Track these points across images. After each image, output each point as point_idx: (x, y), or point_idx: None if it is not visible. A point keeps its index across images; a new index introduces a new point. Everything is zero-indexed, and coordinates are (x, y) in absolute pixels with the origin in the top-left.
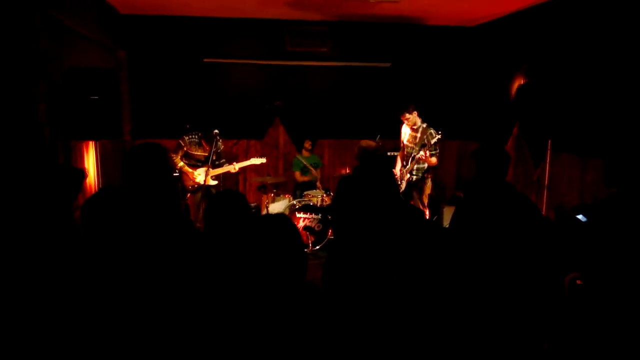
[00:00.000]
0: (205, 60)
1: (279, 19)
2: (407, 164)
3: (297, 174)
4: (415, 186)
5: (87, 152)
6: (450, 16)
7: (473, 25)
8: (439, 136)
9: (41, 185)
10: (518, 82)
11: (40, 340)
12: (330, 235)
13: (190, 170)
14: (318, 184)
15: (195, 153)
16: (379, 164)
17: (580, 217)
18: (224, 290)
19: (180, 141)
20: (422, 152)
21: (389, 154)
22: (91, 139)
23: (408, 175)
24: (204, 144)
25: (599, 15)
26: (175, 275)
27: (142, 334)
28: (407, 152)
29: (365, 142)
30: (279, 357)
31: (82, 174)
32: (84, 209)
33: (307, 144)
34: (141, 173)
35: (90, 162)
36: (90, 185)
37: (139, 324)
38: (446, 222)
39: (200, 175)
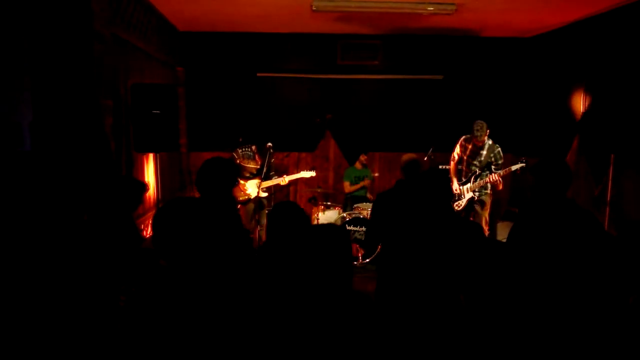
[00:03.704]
0: (259, 74)
1: (331, 33)
2: (467, 181)
3: (347, 184)
4: (479, 202)
5: (147, 163)
6: (506, 27)
7: (529, 37)
8: (523, 165)
9: (106, 195)
10: (578, 94)
11: (105, 340)
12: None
13: (242, 182)
14: (369, 194)
15: (248, 165)
16: (429, 178)
17: None
18: (280, 297)
19: (234, 154)
20: (498, 178)
21: (440, 167)
22: (152, 152)
23: (471, 194)
24: (257, 157)
25: None
26: (240, 283)
27: (205, 337)
28: (468, 168)
29: (407, 156)
30: None
31: (144, 186)
32: (158, 217)
33: (363, 158)
34: (215, 184)
35: (150, 173)
36: (149, 196)
37: (203, 329)
38: (500, 238)
39: (251, 187)
